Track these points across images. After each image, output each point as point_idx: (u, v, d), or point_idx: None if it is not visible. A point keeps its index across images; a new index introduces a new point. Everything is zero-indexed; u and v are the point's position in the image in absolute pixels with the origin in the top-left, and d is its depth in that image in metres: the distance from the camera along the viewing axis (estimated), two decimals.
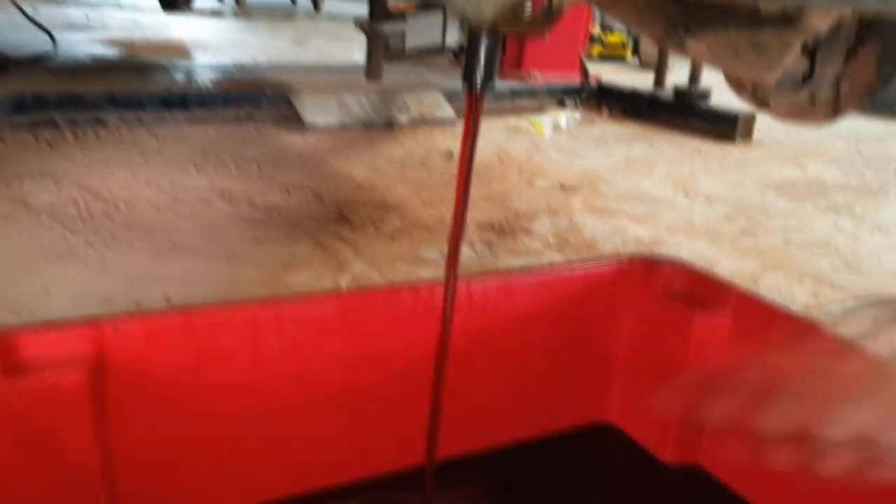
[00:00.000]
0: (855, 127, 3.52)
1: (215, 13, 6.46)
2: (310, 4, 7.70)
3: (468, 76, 0.49)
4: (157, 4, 5.64)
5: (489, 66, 0.49)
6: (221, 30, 5.39)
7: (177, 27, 5.05)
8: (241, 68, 3.19)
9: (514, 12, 0.44)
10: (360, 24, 2.03)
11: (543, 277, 0.89)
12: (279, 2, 8.08)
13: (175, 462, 0.74)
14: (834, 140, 3.26)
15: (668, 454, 0.91)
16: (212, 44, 4.43)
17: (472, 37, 0.48)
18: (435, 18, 2.25)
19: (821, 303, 1.55)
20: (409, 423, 0.82)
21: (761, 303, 0.84)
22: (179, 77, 2.80)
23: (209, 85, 2.74)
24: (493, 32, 0.46)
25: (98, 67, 3.12)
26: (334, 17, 7.14)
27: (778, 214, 2.14)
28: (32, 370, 0.62)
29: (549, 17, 0.45)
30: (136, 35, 4.55)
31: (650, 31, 1.42)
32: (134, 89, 2.49)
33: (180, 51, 3.92)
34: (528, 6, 0.44)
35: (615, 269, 0.93)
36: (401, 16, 2.12)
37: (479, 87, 0.49)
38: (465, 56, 0.49)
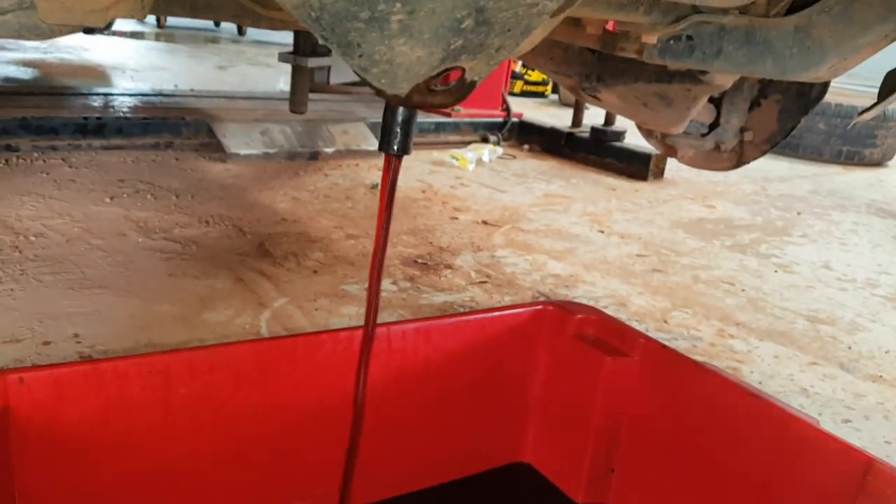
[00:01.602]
0: (761, 166, 3.71)
1: (136, 34, 6.32)
2: (234, 28, 7.62)
3: (385, 144, 0.51)
4: None
5: (405, 135, 0.51)
6: (142, 52, 5.28)
7: (96, 49, 4.91)
8: (161, 94, 3.13)
9: (428, 86, 0.46)
10: (284, 60, 2.04)
11: (461, 322, 0.91)
12: (202, 25, 7.97)
13: None
14: (741, 180, 3.43)
15: (580, 495, 0.94)
16: (132, 67, 4.34)
17: (387, 107, 0.50)
18: None
19: (725, 340, 1.63)
20: (325, 470, 0.82)
21: (665, 349, 0.88)
22: (96, 103, 2.73)
23: (127, 111, 2.68)
24: (408, 105, 0.48)
25: (10, 90, 3.01)
26: (259, 43, 7.09)
27: (687, 252, 2.24)
28: None
29: (461, 90, 0.48)
30: (52, 57, 4.41)
31: (566, 81, 1.48)
32: (48, 115, 2.41)
33: (98, 75, 3.82)
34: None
35: (530, 314, 0.96)
36: (327, 50, 2.13)
37: (395, 155, 0.51)
38: (382, 124, 0.51)
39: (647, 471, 0.91)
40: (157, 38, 6.45)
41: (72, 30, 0.57)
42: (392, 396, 0.87)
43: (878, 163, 4.28)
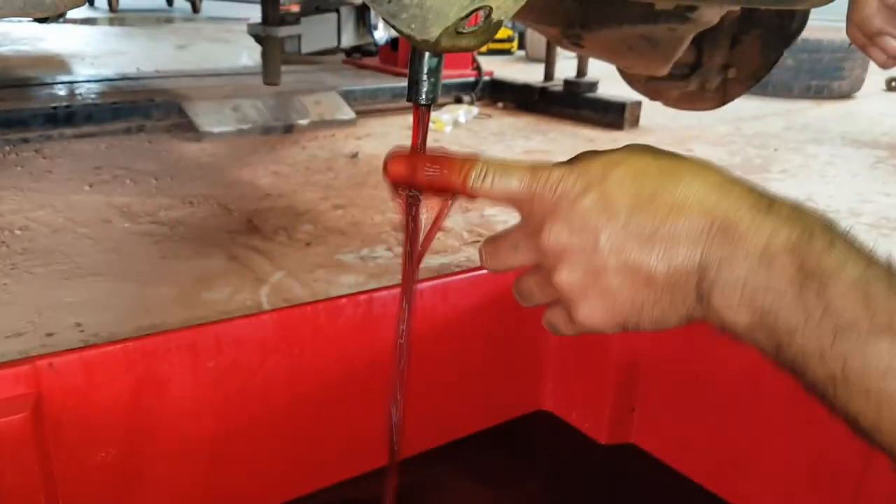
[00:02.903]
0: (733, 107, 3.73)
1: (89, 21, 6.15)
2: (187, 6, 7.45)
3: (413, 93, 0.50)
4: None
5: (434, 82, 0.50)
6: (98, 38, 5.14)
7: (50, 38, 4.77)
8: (126, 78, 3.06)
9: (456, 29, 0.46)
10: (253, 31, 1.99)
11: (475, 278, 0.91)
12: (154, 5, 7.77)
13: (120, 495, 0.71)
14: (715, 122, 3.45)
15: (603, 436, 0.95)
16: (90, 54, 4.23)
17: (414, 54, 0.49)
18: (329, 20, 2.23)
19: None
20: (353, 435, 0.82)
21: None
22: (63, 92, 2.66)
23: (95, 97, 2.62)
24: (437, 50, 0.47)
25: None
26: (215, 19, 6.94)
27: None
28: None
29: (487, 31, 0.47)
30: (7, 49, 4.28)
31: (548, 31, 1.47)
32: (15, 107, 2.35)
33: (58, 64, 3.72)
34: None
35: None
36: (296, 19, 2.09)
37: (424, 103, 0.50)
38: (409, 73, 0.50)
39: (668, 407, 0.93)
40: (111, 22, 6.28)
41: (75, 3, 0.55)
42: (415, 355, 0.86)
43: (847, 95, 4.33)
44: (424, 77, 0.50)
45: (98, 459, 0.69)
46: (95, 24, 6.04)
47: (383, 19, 0.44)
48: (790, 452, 0.81)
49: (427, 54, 0.49)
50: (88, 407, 0.67)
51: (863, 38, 0.46)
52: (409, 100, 0.50)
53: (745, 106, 3.95)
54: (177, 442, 0.74)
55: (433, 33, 0.45)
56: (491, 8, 0.46)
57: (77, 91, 2.71)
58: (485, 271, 0.93)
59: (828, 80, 4.24)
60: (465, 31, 0.47)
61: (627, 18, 1.29)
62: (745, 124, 3.50)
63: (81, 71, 3.53)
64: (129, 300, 1.36)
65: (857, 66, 4.24)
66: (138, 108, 2.60)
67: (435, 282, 0.87)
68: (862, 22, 0.45)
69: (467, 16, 0.45)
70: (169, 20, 6.86)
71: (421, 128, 0.51)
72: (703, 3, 1.06)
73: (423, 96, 0.50)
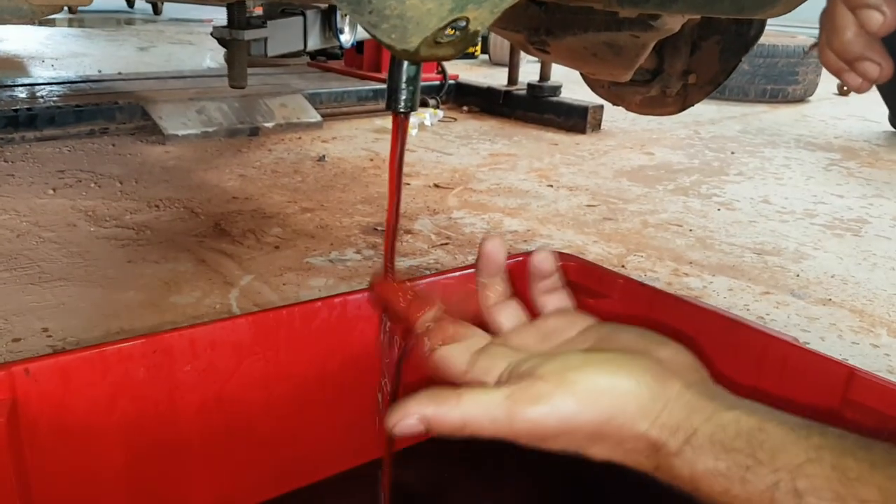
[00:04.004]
0: (692, 111, 3.81)
1: (47, 21, 6.04)
2: (148, 8, 7.34)
3: (393, 102, 0.52)
4: None
5: (412, 91, 0.52)
6: (58, 39, 5.05)
7: (7, 39, 4.68)
8: (89, 80, 3.02)
9: (435, 39, 0.48)
10: (219, 34, 1.99)
11: (448, 280, 0.93)
12: (115, 6, 7.65)
13: (96, 499, 0.72)
14: (674, 126, 3.52)
15: None
16: (50, 55, 4.16)
17: (393, 63, 0.51)
18: (296, 23, 2.23)
19: (681, 279, 1.69)
20: (328, 436, 0.83)
21: (644, 286, 0.92)
22: (23, 94, 2.62)
23: (57, 100, 2.58)
24: (416, 59, 0.49)
25: None
26: (176, 21, 6.86)
27: (633, 199, 2.30)
28: None
29: (464, 40, 0.49)
30: None
31: (513, 37, 1.50)
32: None
33: (16, 65, 3.65)
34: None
35: (511, 265, 0.98)
36: (262, 22, 2.08)
37: (403, 110, 0.52)
38: (388, 82, 0.52)
39: None
40: (70, 23, 6.18)
41: (53, 10, 0.56)
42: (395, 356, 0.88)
43: (801, 99, 4.45)
44: (403, 85, 0.51)
45: (74, 464, 0.70)
46: (54, 26, 5.93)
47: (364, 29, 0.46)
48: None
49: (406, 63, 0.51)
50: (65, 412, 0.68)
51: (840, 64, 0.46)
52: (388, 108, 0.52)
53: (703, 110, 4.04)
54: (153, 446, 0.74)
55: (413, 43, 0.47)
56: (468, 18, 0.48)
57: (38, 93, 2.66)
58: (456, 273, 0.95)
59: (783, 85, 4.35)
60: (443, 40, 0.49)
61: (592, 25, 1.32)
62: (703, 128, 3.58)
63: (42, 73, 3.47)
64: (97, 305, 1.35)
65: (810, 70, 4.36)
66: (101, 110, 2.57)
67: (408, 286, 0.89)
68: (842, 48, 0.44)
69: (446, 26, 0.47)
70: (129, 22, 6.76)
71: (400, 135, 0.53)
72: (665, 12, 1.09)
73: (402, 104, 0.52)
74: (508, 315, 0.58)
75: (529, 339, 0.54)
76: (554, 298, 0.58)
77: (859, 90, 0.47)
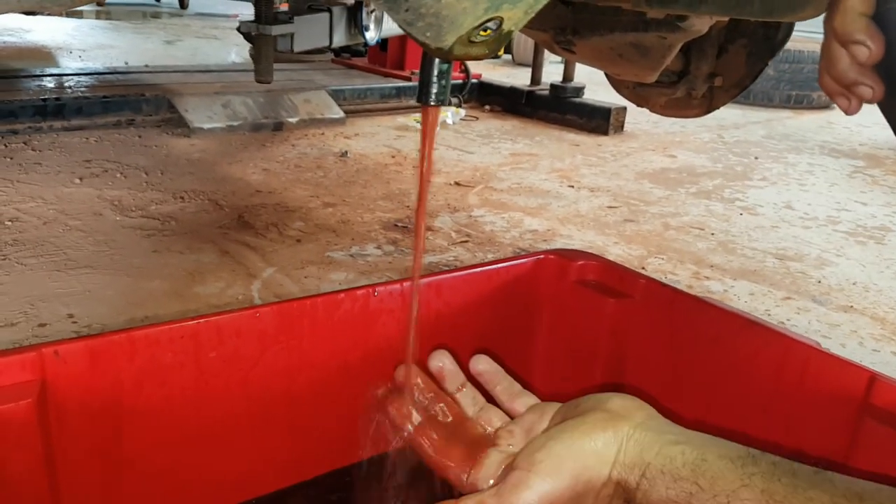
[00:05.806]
0: (716, 115, 3.79)
1: (75, 13, 6.10)
2: (174, 2, 7.41)
3: (424, 95, 0.52)
4: None
5: (443, 85, 0.52)
6: (85, 31, 5.10)
7: (37, 30, 4.73)
8: (116, 72, 3.05)
9: (469, 38, 0.48)
10: (246, 29, 2.00)
11: (469, 276, 0.93)
12: (142, 0, 7.73)
13: (120, 481, 0.73)
14: (698, 129, 3.51)
15: None
16: (77, 47, 4.20)
17: (425, 59, 0.52)
18: (322, 19, 2.24)
19: (701, 282, 1.68)
20: (350, 423, 0.84)
21: (665, 287, 0.92)
22: (52, 84, 2.65)
23: (85, 91, 2.61)
24: (450, 58, 0.50)
25: None
26: (202, 16, 6.91)
27: (655, 201, 2.29)
28: None
29: (498, 40, 0.50)
30: None
31: (539, 36, 1.50)
32: (5, 98, 2.34)
33: (45, 56, 3.70)
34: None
35: (532, 263, 0.99)
36: (289, 18, 2.10)
37: (433, 104, 0.53)
38: (420, 77, 0.52)
39: (654, 406, 0.96)
40: (98, 15, 6.24)
41: (88, 0, 0.57)
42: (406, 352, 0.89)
43: (826, 105, 4.40)
44: (434, 80, 0.52)
45: (100, 445, 0.71)
46: (82, 18, 5.99)
47: (399, 26, 0.46)
48: (772, 449, 0.84)
49: (436, 60, 0.51)
50: (92, 394, 0.69)
51: (838, 87, 0.52)
52: (419, 101, 0.53)
53: (727, 114, 4.02)
54: (178, 429, 0.75)
55: (447, 42, 0.48)
56: (502, 19, 0.49)
57: (66, 84, 2.70)
58: (476, 269, 0.96)
59: (808, 91, 4.31)
60: (477, 39, 0.49)
61: (618, 26, 1.32)
62: (727, 132, 3.55)
63: (70, 64, 3.51)
64: (122, 293, 1.38)
65: None
66: (129, 102, 2.60)
67: (429, 279, 0.90)
68: (838, 76, 0.50)
69: (480, 25, 0.48)
70: (156, 15, 6.82)
71: (429, 128, 0.54)
72: (692, 14, 1.09)
73: (433, 97, 0.52)
74: (489, 419, 0.66)
75: (518, 438, 0.61)
76: (519, 402, 0.66)
77: (848, 112, 0.54)
